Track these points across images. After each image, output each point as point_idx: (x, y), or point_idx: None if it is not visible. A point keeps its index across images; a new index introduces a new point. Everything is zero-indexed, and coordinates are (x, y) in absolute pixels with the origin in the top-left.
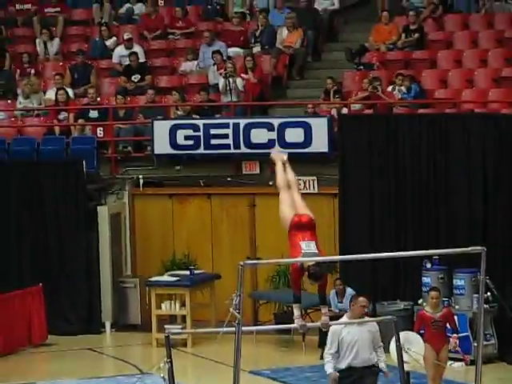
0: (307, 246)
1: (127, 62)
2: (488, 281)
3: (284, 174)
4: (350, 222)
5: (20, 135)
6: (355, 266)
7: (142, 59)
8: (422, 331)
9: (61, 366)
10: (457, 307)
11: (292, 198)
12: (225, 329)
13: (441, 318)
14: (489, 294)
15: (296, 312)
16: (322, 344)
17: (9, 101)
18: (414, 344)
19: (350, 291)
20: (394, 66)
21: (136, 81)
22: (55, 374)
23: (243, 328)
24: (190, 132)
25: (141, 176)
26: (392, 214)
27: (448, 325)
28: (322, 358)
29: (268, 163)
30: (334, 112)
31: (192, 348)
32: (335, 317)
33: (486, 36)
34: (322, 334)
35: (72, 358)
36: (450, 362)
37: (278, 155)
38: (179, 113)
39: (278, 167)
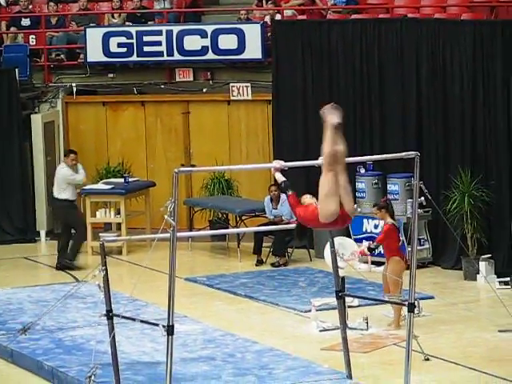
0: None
1: None
2: (422, 185)
3: (334, 145)
4: (283, 128)
5: None
6: (289, 171)
7: None
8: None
9: None
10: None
11: (337, 181)
12: (160, 235)
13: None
14: (423, 198)
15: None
16: (257, 251)
17: None
18: (348, 249)
19: (284, 197)
20: None
21: None
22: None
23: (178, 234)
24: (123, 39)
25: (74, 84)
26: None
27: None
28: (257, 264)
29: (201, 70)
30: (267, 18)
31: (127, 256)
32: (270, 223)
33: None
34: (258, 241)
35: (7, 267)
36: (372, 266)
37: (331, 116)
38: (115, 20)
39: (329, 133)
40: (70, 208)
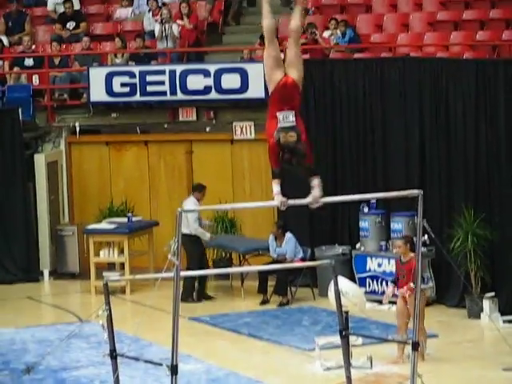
0: (285, 117)
1: (62, 10)
2: (425, 224)
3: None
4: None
5: None
6: (293, 209)
7: (76, 6)
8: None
9: None
10: (394, 251)
11: (278, 53)
12: (163, 274)
13: (404, 267)
14: (426, 237)
15: (275, 188)
16: (262, 290)
17: None
18: (351, 289)
19: (289, 236)
20: (329, 10)
21: (71, 28)
22: None
23: (181, 273)
24: (126, 79)
25: (77, 124)
26: (329, 159)
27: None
28: (262, 303)
29: (204, 109)
30: None
31: (131, 295)
32: (274, 262)
33: None
34: (263, 279)
35: (10, 307)
36: (388, 306)
37: None
38: (118, 60)
39: (264, 5)
40: (190, 242)
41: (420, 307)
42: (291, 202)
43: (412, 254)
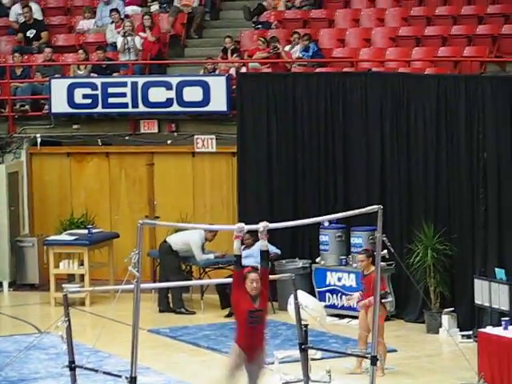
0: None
1: (23, 19)
2: (385, 238)
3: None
4: (248, 180)
5: None
6: (254, 223)
7: (38, 16)
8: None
9: None
10: (354, 265)
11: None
12: (123, 286)
13: (364, 281)
14: (386, 251)
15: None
16: (225, 304)
17: None
18: (311, 303)
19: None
20: (291, 24)
21: (31, 36)
22: None
23: (142, 286)
24: (88, 91)
25: (38, 135)
26: (291, 173)
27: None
28: (228, 316)
29: (166, 122)
30: (232, 71)
31: (90, 307)
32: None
33: None
34: (222, 294)
35: None
36: (348, 320)
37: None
38: (80, 72)
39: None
40: (166, 255)
41: (379, 321)
42: (247, 227)
43: (373, 268)
